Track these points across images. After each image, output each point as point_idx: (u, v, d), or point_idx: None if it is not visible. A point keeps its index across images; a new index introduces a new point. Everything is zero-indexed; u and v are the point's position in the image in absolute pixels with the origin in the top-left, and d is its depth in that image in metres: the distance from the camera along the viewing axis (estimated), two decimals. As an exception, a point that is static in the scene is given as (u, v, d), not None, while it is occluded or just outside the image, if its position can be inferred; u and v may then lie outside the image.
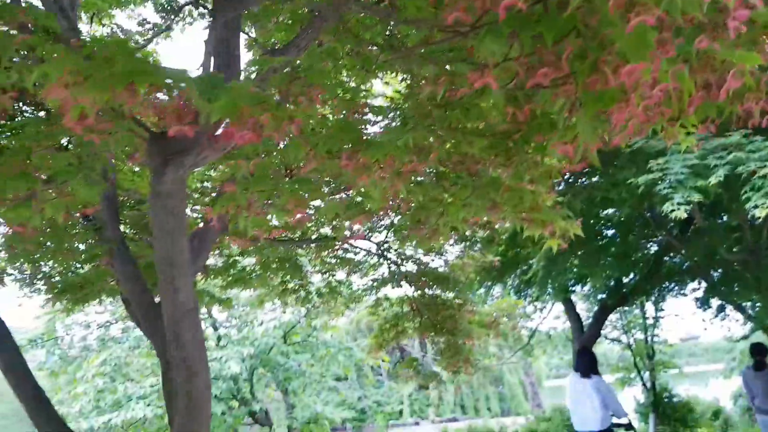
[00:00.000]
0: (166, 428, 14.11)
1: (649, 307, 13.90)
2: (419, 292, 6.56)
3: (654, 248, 11.50)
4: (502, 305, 8.92)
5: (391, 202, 3.09)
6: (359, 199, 3.35)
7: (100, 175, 3.00)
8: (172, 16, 6.64)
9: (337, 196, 3.06)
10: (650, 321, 14.03)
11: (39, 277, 6.68)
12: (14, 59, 2.25)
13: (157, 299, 5.58)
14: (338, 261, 6.61)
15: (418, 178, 3.59)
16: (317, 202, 3.43)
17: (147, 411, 13.77)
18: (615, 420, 6.42)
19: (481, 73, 1.52)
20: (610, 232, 11.18)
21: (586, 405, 6.20)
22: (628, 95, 1.45)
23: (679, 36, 1.38)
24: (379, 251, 6.68)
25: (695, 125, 2.00)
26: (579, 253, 10.93)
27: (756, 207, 6.56)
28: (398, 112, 3.77)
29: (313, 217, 4.55)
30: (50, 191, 2.73)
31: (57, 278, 6.37)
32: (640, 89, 1.45)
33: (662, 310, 13.69)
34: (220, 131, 2.21)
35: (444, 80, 2.24)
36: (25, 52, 2.37)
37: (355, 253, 6.79)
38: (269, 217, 2.90)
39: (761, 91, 2.13)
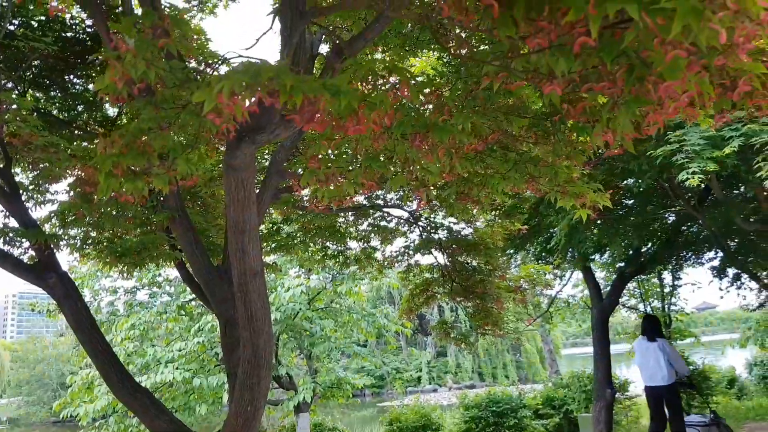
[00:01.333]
0: (194, 390, 14.97)
1: (667, 276, 14.44)
2: (450, 258, 7.12)
3: (672, 218, 11.97)
4: (530, 270, 9.47)
5: (445, 176, 3.62)
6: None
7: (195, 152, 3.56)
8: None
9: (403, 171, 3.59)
10: (667, 290, 14.58)
11: (90, 242, 7.29)
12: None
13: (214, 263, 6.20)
14: (374, 228, 7.17)
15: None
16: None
17: (176, 374, 14.59)
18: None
19: (551, 82, 2.04)
20: (629, 202, 11.64)
21: (652, 363, 7.36)
22: (662, 100, 1.97)
23: (702, 57, 1.90)
24: (412, 219, 7.22)
25: (712, 115, 2.52)
26: (599, 222, 11.44)
27: (767, 178, 7.03)
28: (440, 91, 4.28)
29: (383, 189, 5.10)
30: (159, 166, 3.29)
31: (112, 244, 6.95)
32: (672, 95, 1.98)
33: (679, 278, 14.21)
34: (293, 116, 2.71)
35: (503, 75, 2.76)
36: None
37: (388, 221, 7.34)
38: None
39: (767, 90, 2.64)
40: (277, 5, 3.47)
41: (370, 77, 2.75)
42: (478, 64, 3.35)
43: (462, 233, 7.32)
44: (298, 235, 6.83)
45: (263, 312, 4.53)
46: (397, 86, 2.68)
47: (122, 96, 3.04)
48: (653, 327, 8.08)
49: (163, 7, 7.20)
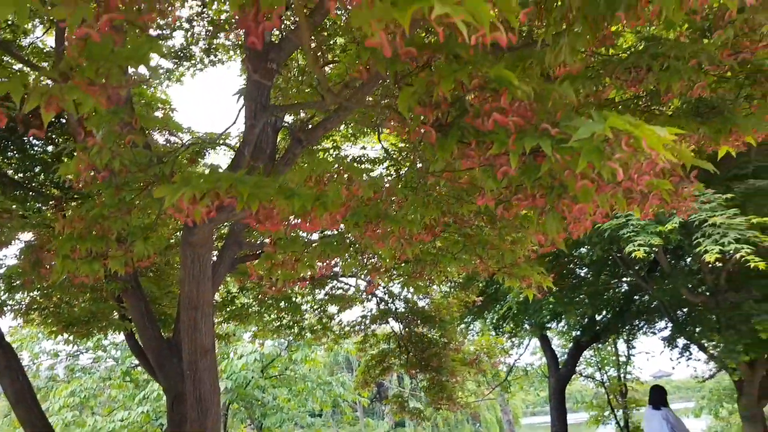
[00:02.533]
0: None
1: (622, 345, 14.89)
2: (406, 329, 7.32)
3: (624, 288, 12.52)
4: (483, 342, 9.71)
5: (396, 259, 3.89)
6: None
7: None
8: (185, 63, 7.41)
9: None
10: (623, 359, 15.01)
11: (35, 307, 7.24)
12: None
13: (165, 336, 6.25)
14: (330, 297, 7.34)
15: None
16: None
17: (117, 447, 14.05)
18: None
19: (483, 197, 2.36)
20: (582, 272, 12.16)
21: (657, 431, 7.98)
22: (579, 217, 2.30)
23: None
24: (370, 283, 7.43)
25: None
26: (554, 290, 11.88)
27: (706, 252, 7.58)
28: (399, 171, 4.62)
29: (335, 271, 5.34)
30: (117, 249, 3.46)
31: (60, 311, 6.92)
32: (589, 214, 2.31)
33: (634, 347, 14.66)
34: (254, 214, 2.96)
35: (447, 175, 3.08)
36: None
37: (346, 291, 7.54)
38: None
39: (678, 196, 3.03)
40: (241, 92, 3.77)
41: (326, 175, 3.03)
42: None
43: (418, 304, 7.56)
44: (253, 304, 6.95)
45: (212, 392, 4.62)
46: (352, 182, 2.97)
47: (86, 181, 3.24)
48: (658, 396, 8.74)
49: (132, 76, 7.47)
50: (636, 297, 12.56)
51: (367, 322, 7.74)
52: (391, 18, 1.57)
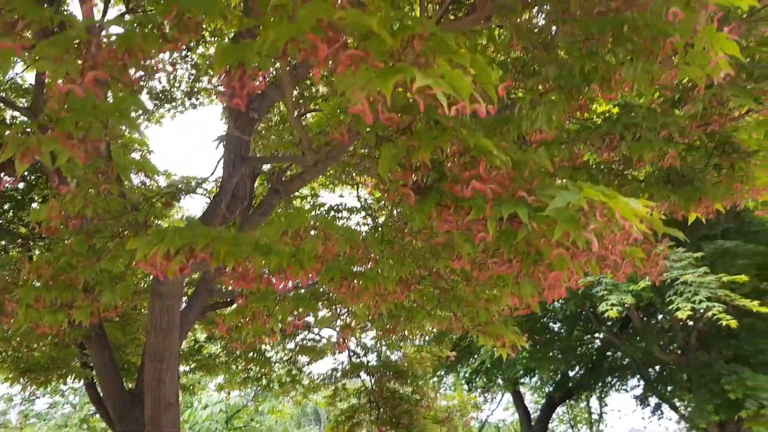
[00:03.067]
0: None
1: (594, 402, 14.87)
2: (378, 384, 7.21)
3: (598, 343, 12.59)
4: (454, 400, 9.59)
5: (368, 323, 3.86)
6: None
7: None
8: (165, 105, 7.44)
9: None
10: (595, 416, 14.95)
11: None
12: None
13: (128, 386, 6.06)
14: (301, 349, 7.22)
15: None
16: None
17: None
18: None
19: (459, 260, 2.37)
20: (556, 326, 12.23)
21: None
22: (554, 284, 2.33)
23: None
24: (341, 340, 7.33)
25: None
26: (527, 345, 11.89)
27: (678, 310, 7.72)
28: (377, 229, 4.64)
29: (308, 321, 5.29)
30: (83, 299, 3.38)
31: (18, 356, 6.68)
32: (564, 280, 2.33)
33: (606, 405, 14.63)
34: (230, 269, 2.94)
35: (425, 233, 3.10)
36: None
37: (317, 342, 7.43)
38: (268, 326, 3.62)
39: (652, 261, 3.09)
40: (221, 139, 3.78)
41: (301, 230, 3.03)
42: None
43: (391, 358, 7.48)
44: (221, 354, 6.80)
45: (175, 446, 4.47)
46: (328, 239, 2.96)
47: (57, 228, 3.19)
48: None
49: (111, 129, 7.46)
50: (609, 353, 12.62)
51: (338, 375, 7.62)
52: (374, 87, 1.61)
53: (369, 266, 3.41)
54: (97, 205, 3.06)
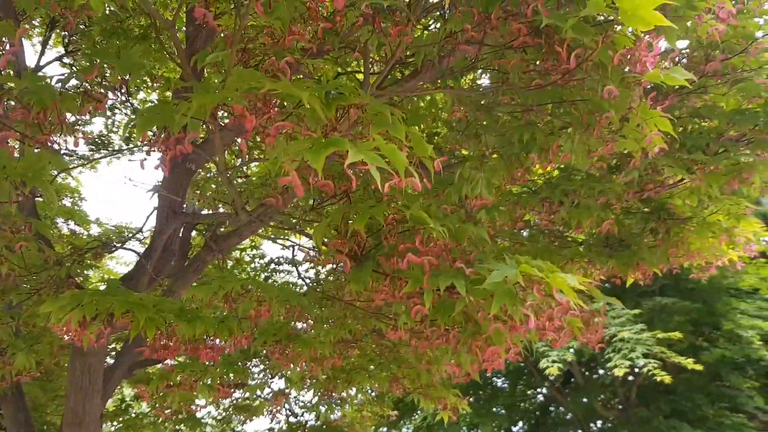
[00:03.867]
0: None
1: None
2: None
3: (540, 398, 12.59)
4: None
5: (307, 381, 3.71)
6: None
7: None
8: (102, 150, 7.17)
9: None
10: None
11: None
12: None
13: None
14: (235, 408, 6.89)
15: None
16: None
17: None
18: None
19: (396, 332, 2.30)
20: (500, 381, 12.19)
21: None
22: (493, 357, 2.27)
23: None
24: (275, 408, 7.05)
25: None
26: (471, 401, 11.78)
27: (616, 367, 7.82)
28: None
29: (238, 395, 5.06)
30: (-4, 362, 3.12)
31: None
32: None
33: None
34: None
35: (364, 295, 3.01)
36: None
37: (253, 400, 7.12)
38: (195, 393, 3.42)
39: (592, 329, 3.09)
40: (156, 189, 3.62)
41: (233, 293, 2.89)
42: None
43: (331, 417, 7.22)
44: (150, 414, 6.41)
45: None
46: (262, 302, 2.84)
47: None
48: None
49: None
50: (552, 408, 12.63)
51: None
52: (305, 160, 1.55)
53: (307, 327, 3.29)
54: (12, 262, 2.85)
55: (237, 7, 1.75)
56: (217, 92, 1.61)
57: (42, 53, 5.12)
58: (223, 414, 6.69)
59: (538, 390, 12.46)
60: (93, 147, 7.24)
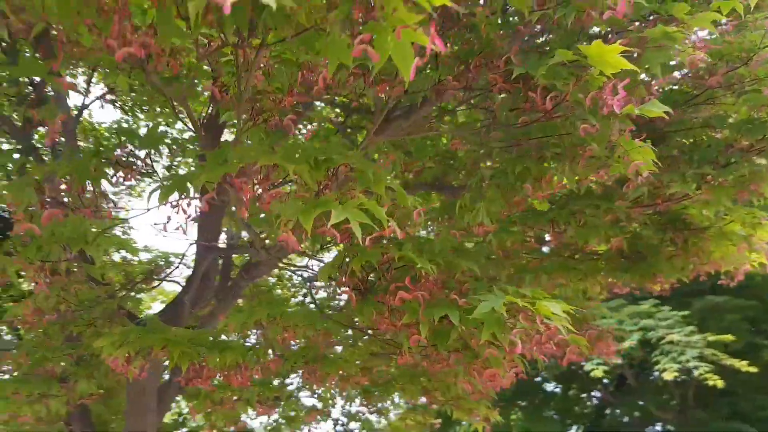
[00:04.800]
0: None
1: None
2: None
3: (595, 402, 12.53)
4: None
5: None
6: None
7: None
8: (146, 179, 7.71)
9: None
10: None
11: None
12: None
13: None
14: (284, 418, 7.27)
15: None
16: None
17: None
18: None
19: (403, 357, 2.55)
20: (551, 386, 12.20)
21: None
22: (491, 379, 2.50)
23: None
24: (325, 409, 7.39)
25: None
26: (523, 405, 11.85)
27: (665, 370, 7.78)
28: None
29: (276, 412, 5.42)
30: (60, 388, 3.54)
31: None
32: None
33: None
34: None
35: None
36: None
37: (300, 411, 7.47)
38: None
39: (604, 343, 3.26)
40: (195, 220, 3.99)
41: (261, 321, 3.20)
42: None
43: (375, 426, 7.52)
44: (205, 426, 6.84)
45: None
46: (287, 329, 3.14)
47: (34, 323, 3.39)
48: None
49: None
50: (607, 412, 12.54)
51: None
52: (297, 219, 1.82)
53: (333, 348, 3.57)
54: (68, 300, 3.25)
55: (239, 78, 2.05)
56: (225, 163, 1.92)
57: (86, 93, 5.60)
58: (274, 424, 7.05)
59: (592, 394, 12.41)
60: (138, 177, 7.74)
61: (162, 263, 6.18)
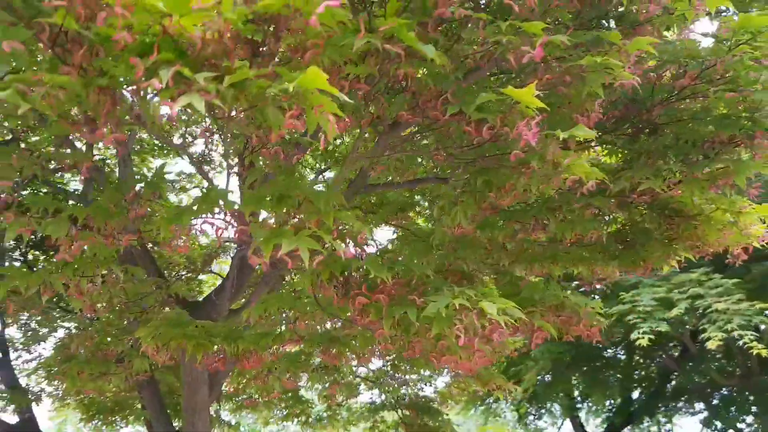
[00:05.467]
0: None
1: (663, 426, 14.69)
2: (409, 417, 7.89)
3: (658, 368, 12.58)
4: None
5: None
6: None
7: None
8: (204, 167, 8.48)
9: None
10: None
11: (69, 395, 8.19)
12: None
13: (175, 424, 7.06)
14: (338, 386, 7.99)
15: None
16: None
17: None
18: None
19: (382, 345, 3.07)
20: (609, 352, 12.34)
21: None
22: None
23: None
24: (375, 377, 8.06)
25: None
26: (584, 368, 12.09)
27: (709, 339, 7.85)
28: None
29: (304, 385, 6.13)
30: (118, 367, 4.33)
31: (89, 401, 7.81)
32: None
33: (674, 426, 14.45)
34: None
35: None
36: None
37: (353, 377, 8.18)
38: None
39: (586, 322, 3.63)
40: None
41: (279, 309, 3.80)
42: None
43: (420, 393, 8.15)
44: (260, 397, 7.67)
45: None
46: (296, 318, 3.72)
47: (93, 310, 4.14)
48: None
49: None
50: (672, 377, 12.58)
51: (373, 409, 8.35)
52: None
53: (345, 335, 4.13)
54: (120, 296, 3.97)
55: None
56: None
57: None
58: (325, 392, 7.79)
59: (656, 360, 12.48)
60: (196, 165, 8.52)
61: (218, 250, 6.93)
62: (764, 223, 4.02)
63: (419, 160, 4.05)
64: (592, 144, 3.81)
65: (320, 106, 1.91)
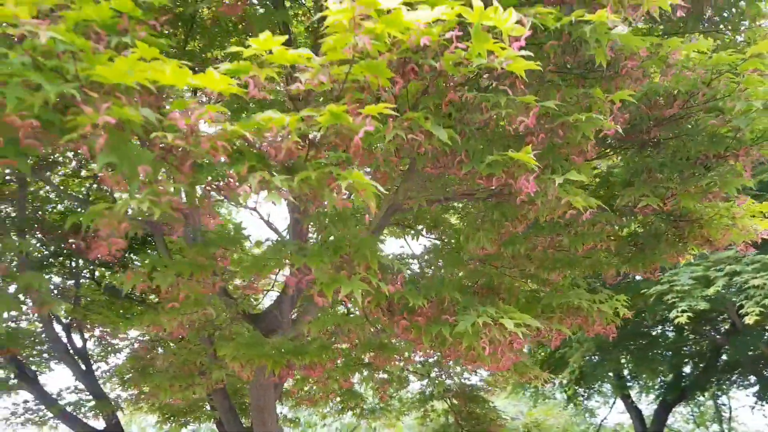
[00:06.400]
0: None
1: (723, 399, 15.20)
2: (457, 407, 8.74)
3: (708, 343, 13.10)
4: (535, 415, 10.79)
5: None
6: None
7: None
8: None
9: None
10: (726, 414, 15.29)
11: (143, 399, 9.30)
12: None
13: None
14: (390, 377, 8.88)
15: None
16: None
17: None
18: None
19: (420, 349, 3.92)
20: (657, 330, 12.92)
21: None
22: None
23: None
24: (424, 369, 8.93)
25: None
26: (631, 347, 12.70)
27: (747, 315, 8.40)
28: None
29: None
30: (201, 378, 5.28)
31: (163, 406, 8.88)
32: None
33: (724, 405, 14.93)
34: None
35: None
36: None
37: (402, 370, 9.06)
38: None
39: (600, 321, 4.40)
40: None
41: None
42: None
43: (468, 382, 8.98)
44: (318, 392, 8.62)
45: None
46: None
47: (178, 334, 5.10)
48: None
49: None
50: (723, 351, 13.08)
51: (423, 399, 9.22)
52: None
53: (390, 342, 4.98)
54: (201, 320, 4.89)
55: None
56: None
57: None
58: (377, 386, 8.70)
59: (705, 336, 13.00)
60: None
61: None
62: (766, 218, 4.67)
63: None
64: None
65: (363, 191, 2.73)
